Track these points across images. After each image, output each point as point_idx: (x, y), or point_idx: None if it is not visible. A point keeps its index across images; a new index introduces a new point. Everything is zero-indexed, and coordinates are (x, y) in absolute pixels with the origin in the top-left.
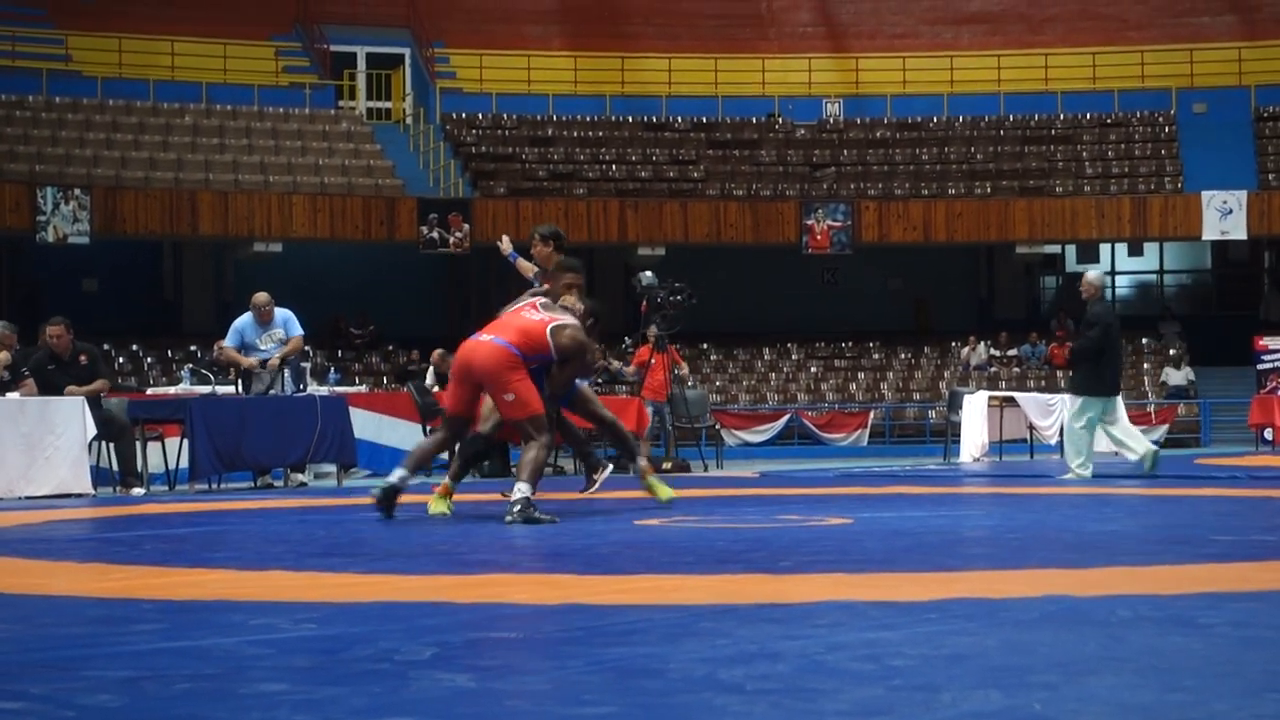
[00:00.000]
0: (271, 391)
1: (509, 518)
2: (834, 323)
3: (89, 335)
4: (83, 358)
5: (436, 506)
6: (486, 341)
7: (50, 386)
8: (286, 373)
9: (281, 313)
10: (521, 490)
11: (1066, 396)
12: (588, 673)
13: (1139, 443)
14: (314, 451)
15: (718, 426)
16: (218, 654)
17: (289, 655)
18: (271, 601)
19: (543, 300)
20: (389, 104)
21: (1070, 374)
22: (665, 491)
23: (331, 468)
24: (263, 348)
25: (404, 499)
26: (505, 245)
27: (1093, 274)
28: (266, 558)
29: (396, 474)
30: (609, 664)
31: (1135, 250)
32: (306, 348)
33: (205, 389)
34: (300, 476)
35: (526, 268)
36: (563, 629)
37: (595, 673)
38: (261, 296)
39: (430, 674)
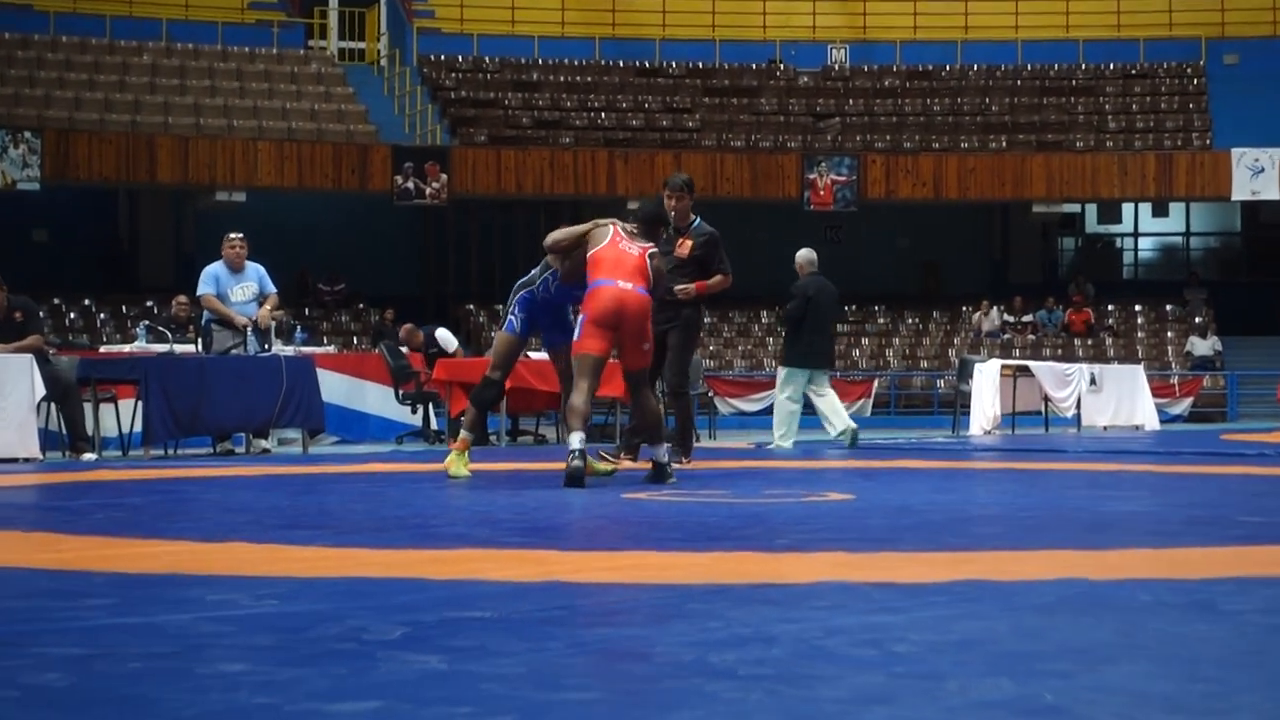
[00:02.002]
0: (234, 351)
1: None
2: (837, 284)
3: (38, 289)
4: (18, 315)
5: (458, 468)
6: (632, 290)
7: None
8: (249, 331)
9: (254, 266)
10: (665, 453)
11: (1082, 366)
12: (568, 655)
13: (840, 419)
14: (279, 416)
15: (711, 394)
16: (173, 631)
17: (249, 633)
18: (231, 575)
19: (624, 227)
20: (362, 44)
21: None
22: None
23: (297, 433)
24: (234, 300)
25: (376, 466)
26: None
27: (802, 252)
28: (226, 529)
29: (577, 439)
30: (591, 646)
31: (1160, 211)
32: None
33: (162, 347)
34: (263, 442)
35: None
36: (542, 608)
37: (576, 655)
38: (234, 234)
39: (400, 655)
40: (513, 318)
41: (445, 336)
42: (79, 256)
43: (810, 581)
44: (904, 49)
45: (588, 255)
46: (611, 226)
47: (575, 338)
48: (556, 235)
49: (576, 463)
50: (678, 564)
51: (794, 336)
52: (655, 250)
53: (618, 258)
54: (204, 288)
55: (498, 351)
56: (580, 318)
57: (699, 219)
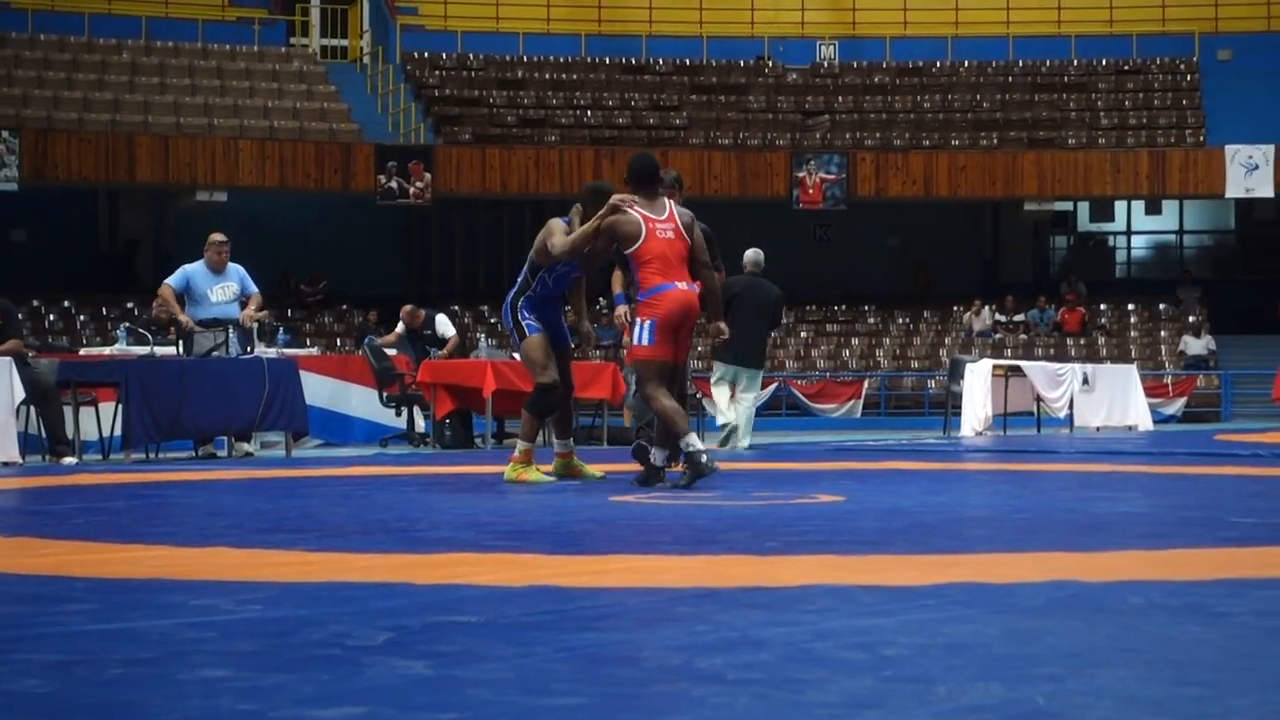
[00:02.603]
0: (215, 353)
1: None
2: (826, 284)
3: (17, 291)
4: None
5: (532, 474)
6: (692, 291)
7: None
8: (232, 333)
9: (234, 266)
10: (694, 443)
11: (1074, 366)
12: (555, 660)
13: (724, 416)
14: (261, 419)
15: (698, 395)
16: (155, 636)
17: (232, 639)
18: (213, 580)
19: (639, 202)
20: (345, 42)
21: None
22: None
23: (280, 436)
24: (214, 300)
25: (360, 470)
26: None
27: (748, 253)
28: (208, 533)
29: (695, 439)
30: (579, 651)
31: (1153, 208)
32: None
33: (143, 349)
34: (245, 446)
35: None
36: (528, 612)
37: (564, 660)
38: (218, 235)
39: (385, 660)
40: (527, 323)
41: (445, 322)
42: (58, 257)
43: (799, 585)
44: (894, 45)
45: (630, 251)
46: (633, 211)
47: (643, 342)
48: (569, 244)
49: (708, 461)
50: (665, 567)
51: None
52: (691, 217)
53: (664, 251)
54: (170, 280)
55: (535, 358)
56: (648, 323)
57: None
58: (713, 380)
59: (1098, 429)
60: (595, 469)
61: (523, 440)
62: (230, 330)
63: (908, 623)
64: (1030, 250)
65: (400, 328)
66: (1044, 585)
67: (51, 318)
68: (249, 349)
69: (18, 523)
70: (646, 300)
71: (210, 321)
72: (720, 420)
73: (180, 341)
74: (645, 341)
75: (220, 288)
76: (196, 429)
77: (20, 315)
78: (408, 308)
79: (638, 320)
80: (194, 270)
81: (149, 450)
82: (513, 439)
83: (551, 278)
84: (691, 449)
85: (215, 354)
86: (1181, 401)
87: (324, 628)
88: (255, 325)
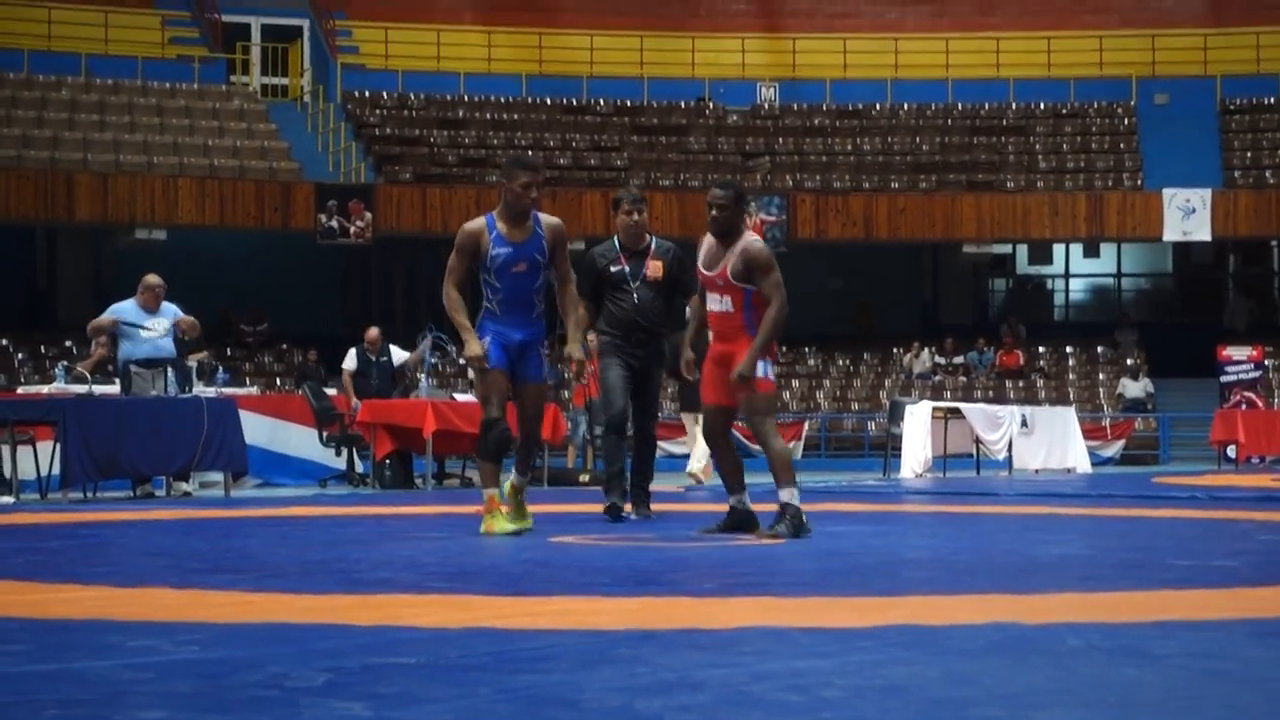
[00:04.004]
0: (154, 393)
1: (780, 528)
2: None
3: None
4: None
5: (502, 524)
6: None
7: None
8: (170, 372)
9: (168, 305)
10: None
11: (1013, 408)
12: (495, 701)
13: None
14: (200, 458)
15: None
16: (91, 678)
17: (169, 680)
18: (151, 621)
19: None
20: (285, 80)
21: None
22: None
23: (219, 476)
24: (145, 335)
25: (299, 510)
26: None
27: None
28: (146, 573)
29: (786, 494)
30: (518, 692)
31: (1091, 251)
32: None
33: (81, 388)
34: (184, 485)
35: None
36: (468, 654)
37: (503, 702)
38: (154, 278)
39: (323, 702)
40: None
41: (397, 350)
42: None
43: (737, 626)
44: (834, 87)
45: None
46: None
47: (769, 376)
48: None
49: (803, 519)
50: (605, 609)
51: (684, 384)
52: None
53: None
54: (104, 315)
55: (478, 393)
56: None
57: (654, 236)
58: (691, 431)
59: (1036, 471)
60: (525, 520)
61: (483, 489)
62: (169, 370)
63: (846, 664)
64: (969, 292)
65: (351, 363)
66: (983, 627)
67: None
68: (187, 388)
69: None
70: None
71: (147, 362)
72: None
73: (122, 379)
74: (770, 376)
75: (153, 322)
76: (134, 468)
77: None
78: (373, 332)
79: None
80: (124, 308)
81: (87, 489)
82: (452, 479)
83: (498, 282)
84: (794, 503)
85: (153, 393)
86: (1120, 444)
87: (262, 669)
88: (195, 365)
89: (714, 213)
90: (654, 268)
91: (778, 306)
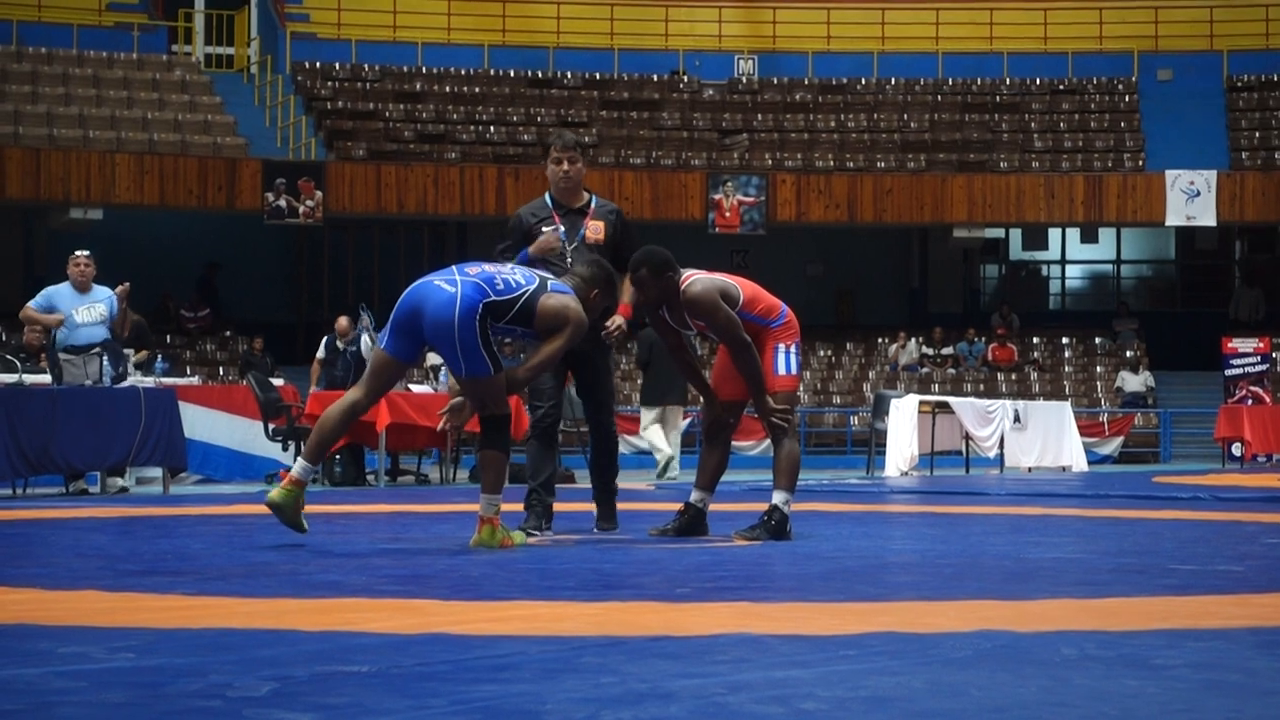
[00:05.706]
0: (74, 379)
1: (759, 531)
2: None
3: None
4: None
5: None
6: None
7: None
8: (104, 359)
9: (102, 288)
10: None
11: (1005, 403)
12: (452, 713)
13: (661, 453)
14: (136, 452)
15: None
16: (19, 686)
17: (103, 689)
18: (83, 626)
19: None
20: (231, 50)
21: None
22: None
23: (157, 472)
24: (79, 321)
25: (243, 508)
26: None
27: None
28: (78, 575)
29: (779, 497)
30: (476, 704)
31: (1089, 236)
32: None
33: (11, 378)
34: (120, 481)
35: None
36: (423, 663)
37: (461, 713)
38: (81, 253)
39: (269, 713)
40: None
41: (367, 344)
42: None
43: (712, 634)
44: (816, 61)
45: (747, 299)
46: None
47: (790, 371)
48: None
49: (787, 528)
50: (569, 615)
51: (646, 378)
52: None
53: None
54: (31, 303)
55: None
56: (793, 346)
57: (594, 194)
58: (644, 425)
59: (1029, 469)
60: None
61: (492, 495)
62: (102, 354)
63: (827, 674)
64: (959, 279)
65: (321, 352)
66: (972, 635)
67: None
68: (121, 369)
69: None
70: (785, 323)
71: (78, 348)
72: (659, 457)
73: (52, 369)
74: (792, 370)
75: (86, 308)
76: (67, 463)
77: None
78: (342, 321)
79: (779, 346)
80: (56, 291)
81: (15, 485)
82: (407, 475)
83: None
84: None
85: (86, 383)
86: (1118, 441)
87: (203, 678)
88: (131, 354)
89: (641, 298)
90: (594, 228)
91: (736, 349)
